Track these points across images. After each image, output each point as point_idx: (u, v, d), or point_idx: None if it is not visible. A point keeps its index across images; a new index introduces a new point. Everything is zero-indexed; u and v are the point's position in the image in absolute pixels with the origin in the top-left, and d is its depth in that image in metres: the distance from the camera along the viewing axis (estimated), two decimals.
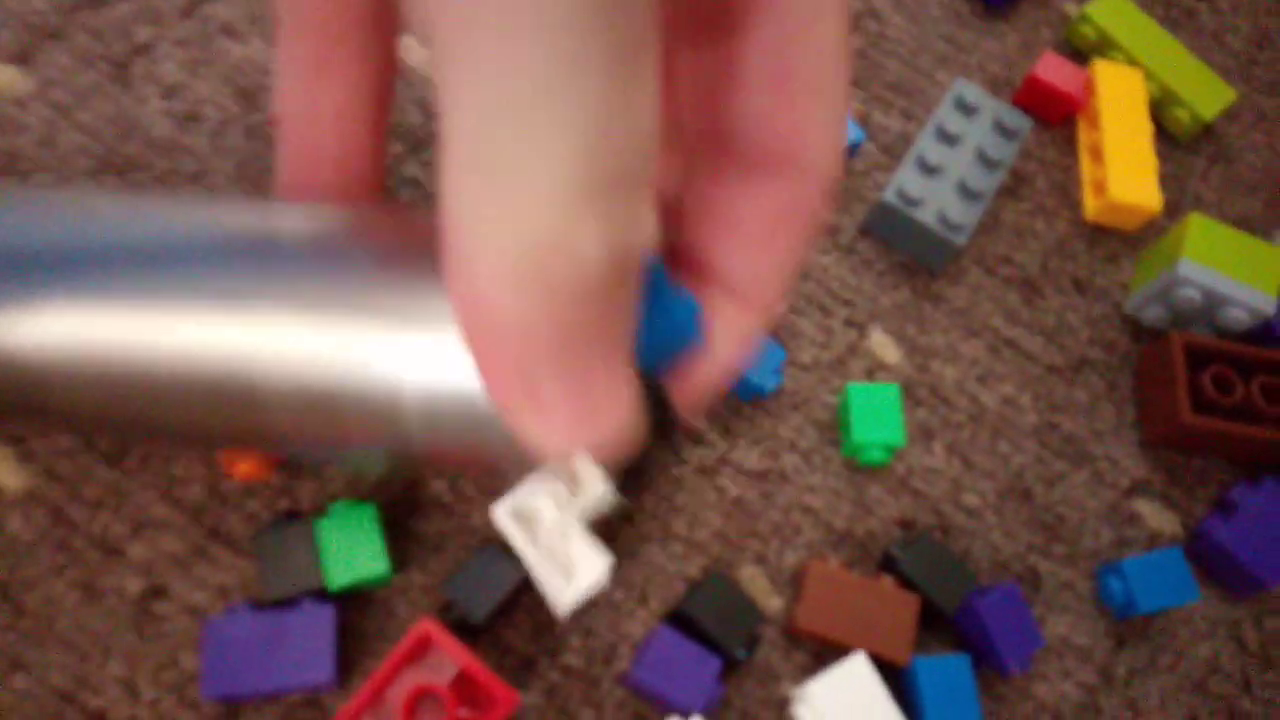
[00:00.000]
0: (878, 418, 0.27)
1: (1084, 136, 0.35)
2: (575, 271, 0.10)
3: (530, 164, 0.09)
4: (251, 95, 0.30)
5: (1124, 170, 0.33)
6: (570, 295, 0.11)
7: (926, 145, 0.31)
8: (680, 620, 0.25)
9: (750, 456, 0.28)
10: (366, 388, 0.15)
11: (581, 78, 0.09)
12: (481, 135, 0.09)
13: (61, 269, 0.14)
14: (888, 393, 0.28)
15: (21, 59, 0.29)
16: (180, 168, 0.29)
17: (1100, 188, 0.34)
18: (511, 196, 0.10)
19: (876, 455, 0.27)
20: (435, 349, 0.14)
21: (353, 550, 0.23)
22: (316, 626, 0.22)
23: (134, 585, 0.24)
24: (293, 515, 0.25)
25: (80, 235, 0.14)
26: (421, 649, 0.23)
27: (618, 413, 0.13)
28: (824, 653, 0.26)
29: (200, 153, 0.29)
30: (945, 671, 0.25)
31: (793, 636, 0.26)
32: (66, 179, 0.28)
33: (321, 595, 0.23)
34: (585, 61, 0.09)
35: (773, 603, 0.26)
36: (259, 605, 0.23)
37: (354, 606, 0.24)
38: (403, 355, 0.14)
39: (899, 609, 0.25)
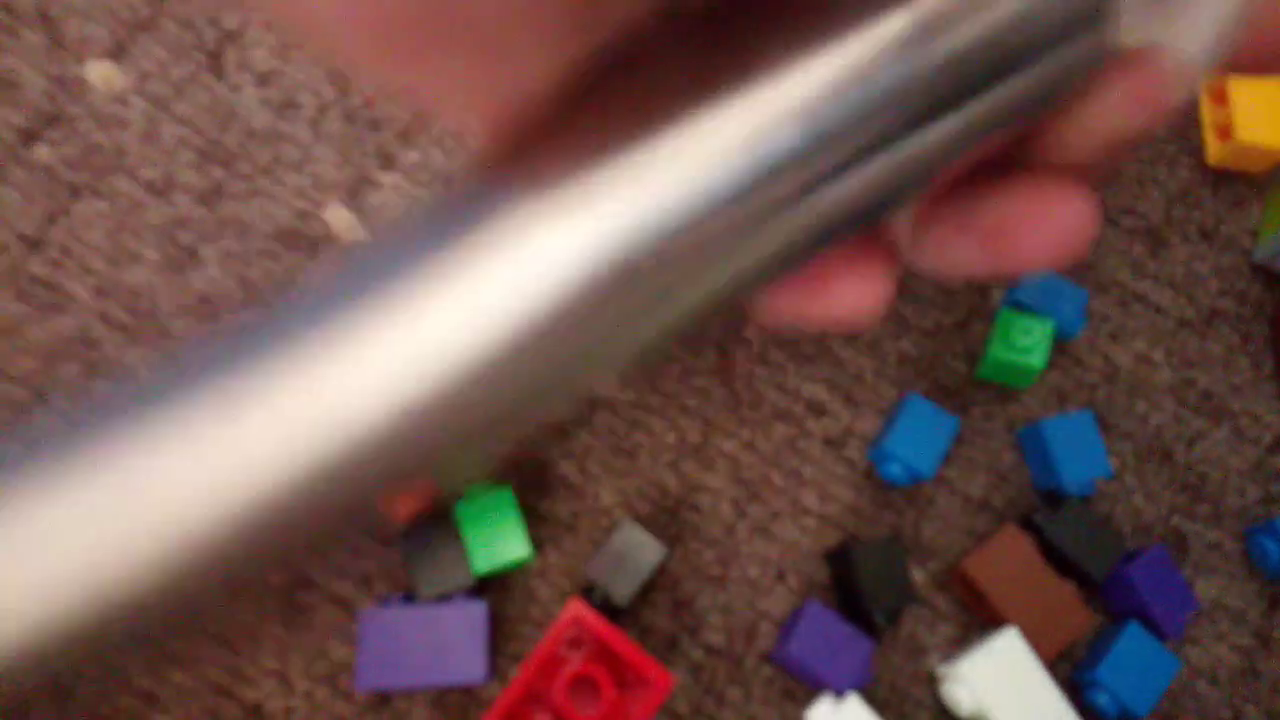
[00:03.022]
0: (1020, 346, 0.26)
1: None
2: None
3: None
4: (345, 78, 0.29)
5: (1250, 110, 0.31)
6: None
7: None
8: (837, 574, 0.25)
9: (878, 426, 0.27)
10: None
11: None
12: None
13: None
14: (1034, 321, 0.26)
15: (116, 54, 0.29)
16: (283, 156, 0.28)
17: (1224, 130, 0.32)
18: None
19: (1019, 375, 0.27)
20: None
21: (493, 536, 0.23)
22: (470, 623, 0.22)
23: (277, 577, 0.24)
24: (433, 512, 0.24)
25: None
26: (571, 633, 0.22)
27: None
28: (969, 624, 0.25)
29: (301, 140, 0.29)
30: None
31: (935, 606, 0.25)
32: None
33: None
34: None
35: (913, 575, 0.26)
36: (410, 597, 0.23)
37: (495, 589, 0.24)
38: None
39: (1068, 614, 0.24)
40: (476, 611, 0.22)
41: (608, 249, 0.13)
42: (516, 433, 0.16)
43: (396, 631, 0.22)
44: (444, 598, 0.23)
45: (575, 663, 0.22)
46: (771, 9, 0.15)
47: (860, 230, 0.16)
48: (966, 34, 0.14)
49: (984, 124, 0.15)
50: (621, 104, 0.15)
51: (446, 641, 0.22)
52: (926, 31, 0.14)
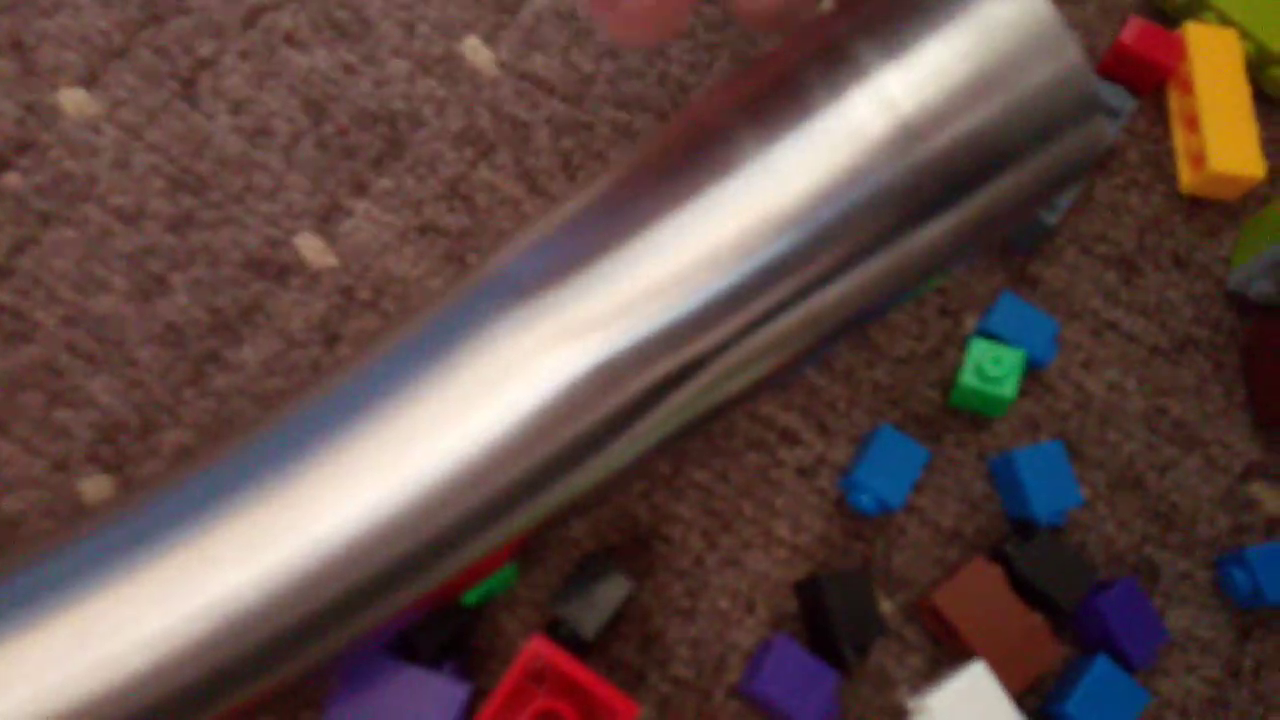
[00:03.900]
0: (991, 376, 0.26)
1: (1176, 105, 0.33)
2: None
3: None
4: (320, 106, 0.29)
5: (1223, 138, 0.31)
6: None
7: None
8: (805, 607, 0.25)
9: (851, 455, 0.27)
10: None
11: None
12: None
13: None
14: (1011, 355, 0.26)
15: (89, 81, 0.29)
16: (255, 184, 0.28)
17: (1197, 159, 0.32)
18: None
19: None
20: None
21: None
22: (446, 702, 0.21)
23: None
24: None
25: None
26: (534, 667, 0.22)
27: None
28: (939, 657, 0.25)
29: (274, 168, 0.29)
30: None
31: (904, 637, 0.25)
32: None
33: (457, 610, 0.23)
34: None
35: (882, 606, 0.26)
36: (411, 655, 0.23)
37: None
38: None
39: (1038, 646, 0.24)
40: (457, 694, 0.22)
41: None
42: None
43: (378, 683, 0.21)
44: (443, 655, 0.22)
45: (540, 698, 0.22)
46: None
47: (852, 332, 0.17)
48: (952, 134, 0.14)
49: (975, 224, 0.15)
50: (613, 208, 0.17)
51: (419, 713, 0.21)
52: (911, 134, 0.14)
